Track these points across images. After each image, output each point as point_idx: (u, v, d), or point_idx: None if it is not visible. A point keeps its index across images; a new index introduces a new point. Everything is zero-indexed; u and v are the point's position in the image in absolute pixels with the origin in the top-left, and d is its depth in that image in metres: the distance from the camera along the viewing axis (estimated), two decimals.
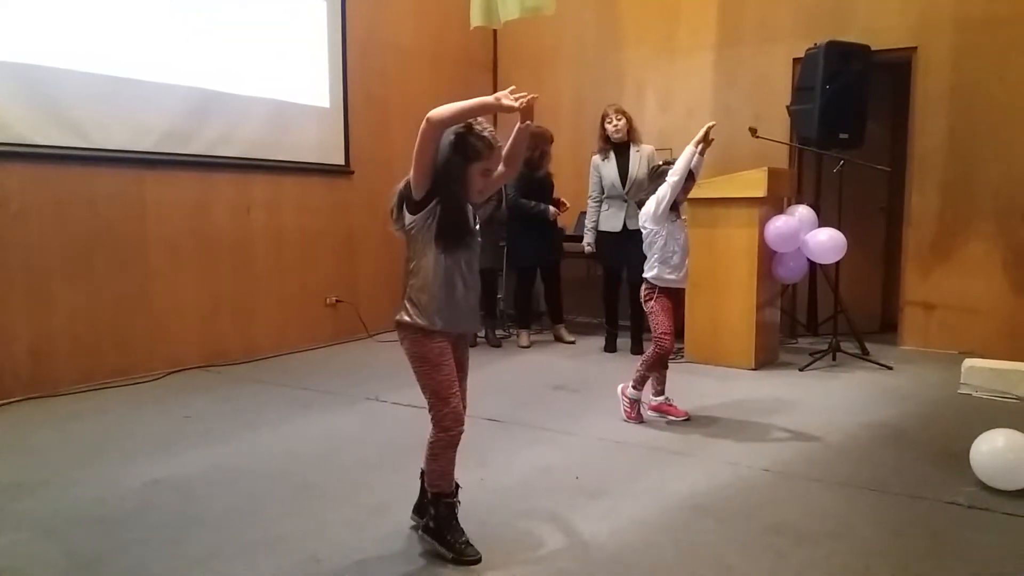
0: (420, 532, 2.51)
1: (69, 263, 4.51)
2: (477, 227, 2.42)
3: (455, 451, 2.40)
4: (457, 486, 2.46)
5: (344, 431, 3.77)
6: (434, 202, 2.30)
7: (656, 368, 3.93)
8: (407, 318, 2.36)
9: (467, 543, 2.38)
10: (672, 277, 3.86)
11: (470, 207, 2.40)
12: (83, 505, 2.84)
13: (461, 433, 2.38)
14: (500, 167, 2.44)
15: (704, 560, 2.40)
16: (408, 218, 2.33)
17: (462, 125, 2.29)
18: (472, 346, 5.91)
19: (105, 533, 2.61)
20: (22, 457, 3.40)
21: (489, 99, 2.25)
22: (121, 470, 3.20)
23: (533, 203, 5.85)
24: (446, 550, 2.37)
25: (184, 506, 2.83)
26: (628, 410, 3.90)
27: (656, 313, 3.87)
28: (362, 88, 6.25)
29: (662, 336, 3.83)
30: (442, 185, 2.30)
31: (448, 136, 2.29)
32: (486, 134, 2.32)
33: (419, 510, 2.60)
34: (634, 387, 3.91)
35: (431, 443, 2.39)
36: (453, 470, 2.43)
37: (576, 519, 2.71)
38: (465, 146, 2.29)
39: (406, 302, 2.37)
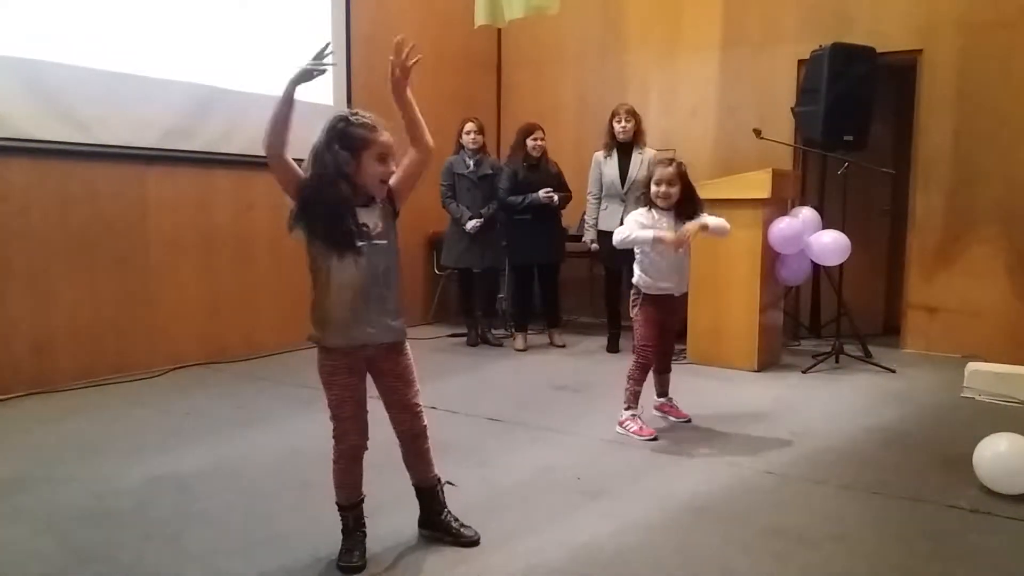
0: (419, 529, 2.55)
1: (71, 259, 4.51)
2: (378, 229, 2.28)
3: (353, 465, 2.38)
4: (362, 499, 2.42)
5: None
6: (306, 199, 2.22)
7: (642, 380, 3.74)
8: (311, 334, 2.32)
9: (349, 552, 2.35)
10: (660, 284, 3.67)
11: (360, 209, 2.27)
12: (82, 501, 2.84)
13: (353, 450, 2.36)
14: (410, 151, 2.36)
15: (705, 562, 2.39)
16: (294, 229, 2.28)
17: (337, 117, 2.23)
18: (473, 346, 5.97)
19: (104, 529, 2.60)
20: (22, 452, 3.40)
21: (286, 85, 2.23)
22: (121, 466, 3.19)
23: (520, 198, 5.69)
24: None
25: (184, 503, 2.83)
26: (636, 432, 3.64)
27: (639, 323, 3.73)
28: (366, 86, 6.23)
29: (644, 347, 3.71)
30: (317, 188, 2.20)
31: (324, 134, 2.21)
32: (365, 118, 2.25)
33: (424, 523, 2.56)
34: (627, 407, 3.72)
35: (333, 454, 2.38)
36: (354, 483, 2.39)
37: (577, 520, 2.70)
38: (346, 137, 2.21)
39: (312, 318, 2.31)
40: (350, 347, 2.30)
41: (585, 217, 5.81)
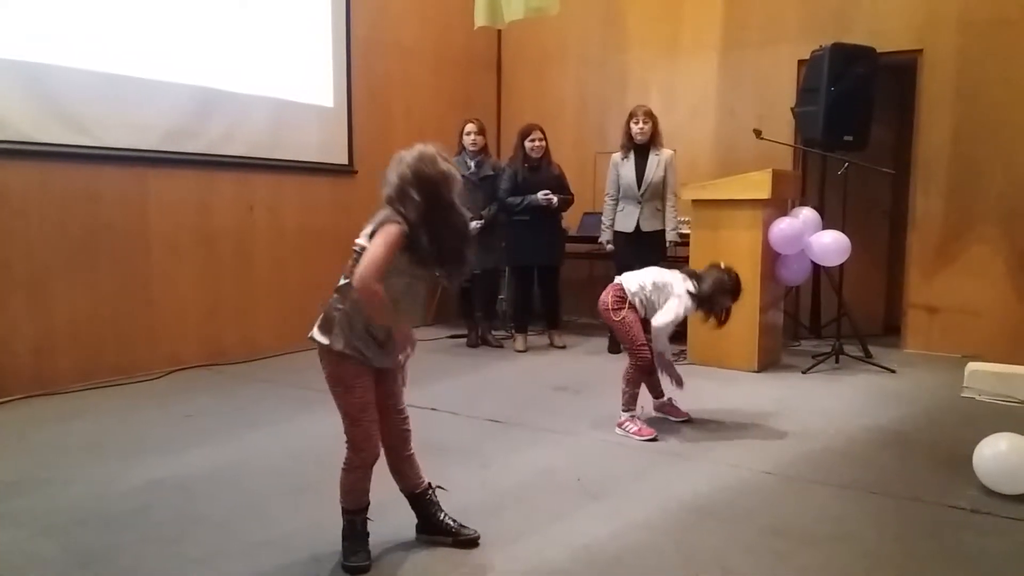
0: (418, 535, 2.54)
1: (71, 261, 4.51)
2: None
3: (370, 471, 2.37)
4: (369, 502, 2.42)
5: None
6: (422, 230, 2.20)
7: (640, 382, 3.77)
8: (324, 340, 2.29)
9: (355, 552, 2.35)
10: (645, 312, 3.76)
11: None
12: (83, 504, 2.84)
13: (375, 456, 2.36)
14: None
15: (705, 562, 2.40)
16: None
17: (428, 157, 2.22)
18: (474, 347, 5.97)
19: (105, 532, 2.60)
20: (22, 455, 3.40)
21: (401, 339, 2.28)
22: (121, 469, 3.20)
23: (519, 199, 5.70)
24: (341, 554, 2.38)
25: (185, 505, 2.83)
26: (636, 432, 3.66)
27: (631, 324, 3.71)
28: (366, 88, 6.25)
29: (641, 348, 3.71)
30: (445, 220, 2.23)
31: (427, 172, 2.21)
32: (445, 156, 2.29)
33: (422, 528, 2.54)
34: (626, 408, 3.73)
35: (344, 461, 2.36)
36: (365, 488, 2.38)
37: (577, 520, 2.70)
38: (448, 180, 2.24)
39: (334, 325, 2.28)
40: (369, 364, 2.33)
41: (602, 218, 5.80)
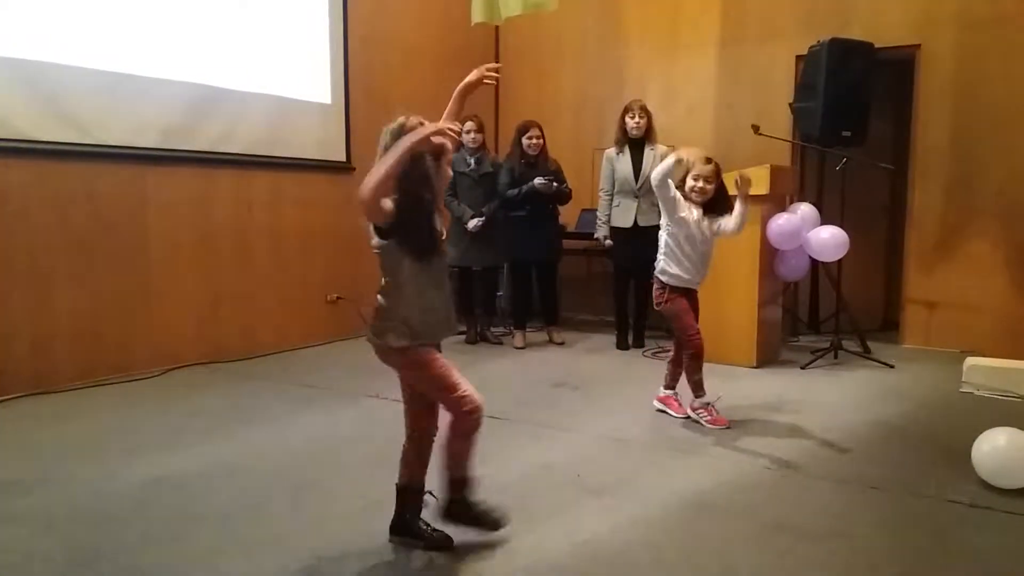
0: (391, 535, 2.52)
1: (70, 260, 4.50)
2: (443, 233, 2.38)
3: (477, 434, 2.41)
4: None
5: (345, 428, 3.76)
6: (402, 217, 2.21)
7: (699, 368, 3.80)
8: (379, 341, 2.31)
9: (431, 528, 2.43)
10: (684, 277, 3.72)
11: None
12: (83, 502, 2.84)
13: (482, 406, 2.40)
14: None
15: (706, 558, 2.40)
16: (377, 241, 2.27)
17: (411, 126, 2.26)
18: (472, 343, 5.97)
19: (105, 530, 2.60)
20: (22, 453, 3.40)
21: (415, 140, 2.16)
22: (121, 467, 3.19)
23: (516, 189, 5.66)
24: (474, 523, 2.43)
25: (184, 503, 2.83)
26: (709, 422, 3.74)
27: (677, 315, 3.76)
28: (363, 84, 6.23)
29: (692, 337, 3.75)
30: (417, 198, 2.23)
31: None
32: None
33: (396, 528, 2.51)
34: (696, 395, 3.81)
35: (455, 429, 2.38)
36: (472, 453, 2.44)
37: (578, 517, 2.71)
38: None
39: (384, 324, 2.30)
40: (432, 343, 2.36)
41: (597, 213, 5.80)
